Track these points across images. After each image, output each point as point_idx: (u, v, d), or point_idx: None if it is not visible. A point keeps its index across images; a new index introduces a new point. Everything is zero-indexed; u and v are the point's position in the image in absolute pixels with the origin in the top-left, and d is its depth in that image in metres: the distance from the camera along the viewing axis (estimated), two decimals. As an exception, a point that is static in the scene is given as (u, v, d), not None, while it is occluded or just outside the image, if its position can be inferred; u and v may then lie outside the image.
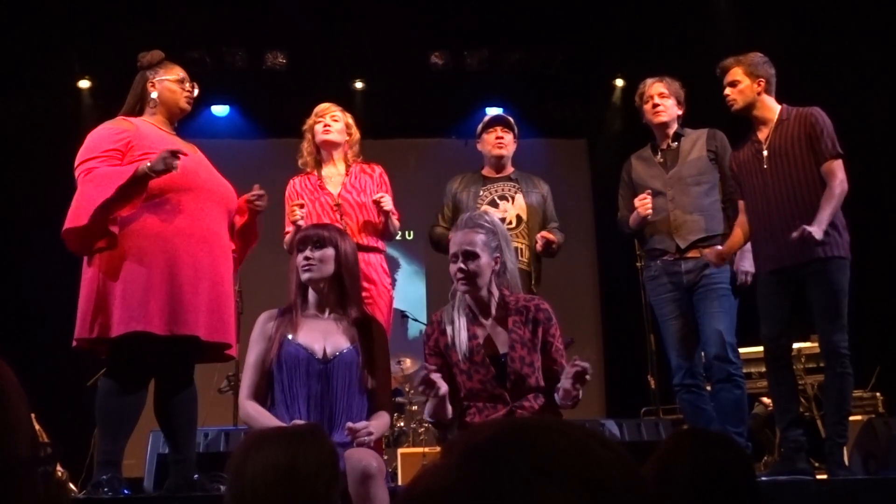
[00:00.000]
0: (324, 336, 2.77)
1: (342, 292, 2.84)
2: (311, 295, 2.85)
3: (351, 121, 4.03)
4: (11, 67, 6.83)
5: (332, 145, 3.95)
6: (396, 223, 3.88)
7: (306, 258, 2.80)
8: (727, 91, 3.75)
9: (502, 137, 4.17)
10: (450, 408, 2.79)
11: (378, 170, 4.03)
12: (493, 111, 7.90)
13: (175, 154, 2.99)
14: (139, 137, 3.18)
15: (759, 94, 3.72)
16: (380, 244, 3.91)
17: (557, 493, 0.57)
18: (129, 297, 3.01)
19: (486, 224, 2.89)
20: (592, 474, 0.59)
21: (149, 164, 2.99)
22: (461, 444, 0.63)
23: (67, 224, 3.06)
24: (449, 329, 2.87)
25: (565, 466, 0.59)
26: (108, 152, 3.12)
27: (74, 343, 3.14)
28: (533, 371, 2.83)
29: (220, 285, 3.19)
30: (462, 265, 2.80)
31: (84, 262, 3.17)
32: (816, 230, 3.38)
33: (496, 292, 2.89)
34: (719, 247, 3.75)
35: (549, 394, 2.88)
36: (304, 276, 2.80)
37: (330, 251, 2.81)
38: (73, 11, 6.77)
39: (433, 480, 0.61)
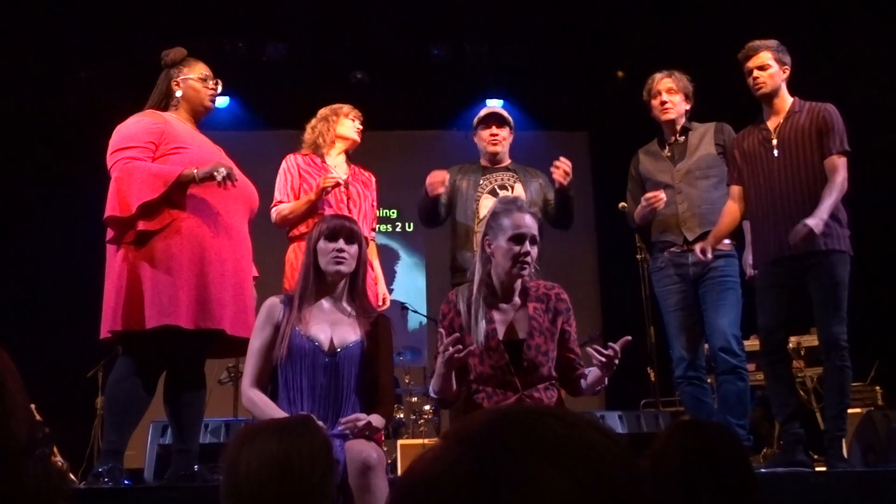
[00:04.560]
0: (331, 328, 2.75)
1: (354, 287, 2.84)
2: (326, 285, 2.81)
3: None
4: (12, 59, 6.82)
5: (353, 144, 4.07)
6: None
7: (340, 250, 2.76)
8: (756, 74, 3.71)
9: (497, 134, 4.16)
10: (455, 384, 2.76)
11: (373, 178, 4.16)
12: (493, 103, 7.93)
13: (230, 176, 3.05)
14: (171, 131, 3.24)
15: (782, 81, 3.73)
16: (370, 237, 4.00)
17: (553, 476, 0.57)
18: (160, 292, 3.04)
19: (535, 210, 2.90)
20: (589, 458, 0.59)
21: (196, 171, 3.06)
22: (457, 430, 0.63)
23: (112, 212, 3.10)
24: (464, 311, 2.82)
25: (561, 450, 0.59)
26: (146, 144, 3.17)
27: (107, 335, 3.14)
28: (547, 360, 2.81)
29: (243, 280, 3.25)
30: (529, 249, 2.76)
31: (109, 255, 3.19)
32: (818, 223, 3.38)
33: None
34: (704, 245, 3.71)
35: (562, 383, 2.91)
36: (334, 268, 2.76)
37: (356, 248, 2.80)
38: (74, 3, 6.75)
39: (429, 465, 0.61)
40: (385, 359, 2.82)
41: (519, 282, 2.85)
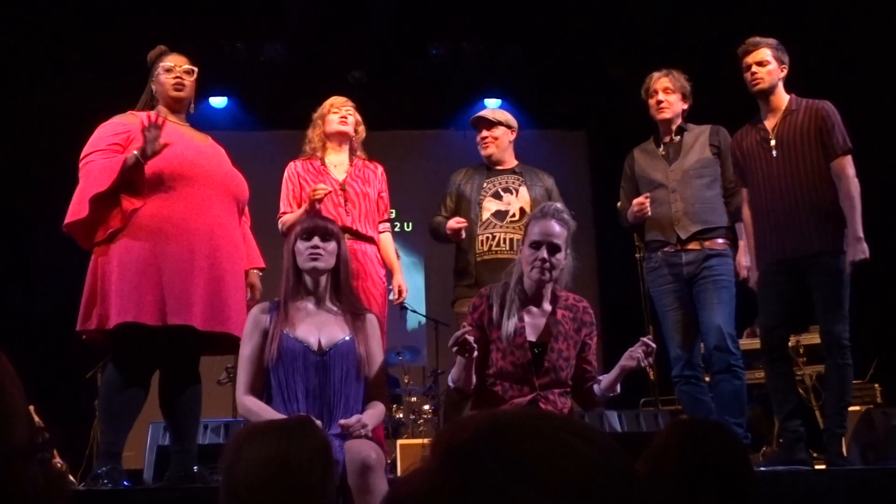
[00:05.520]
0: (318, 328, 2.77)
1: (337, 286, 2.86)
2: (308, 285, 2.84)
3: (360, 119, 4.09)
4: (11, 61, 6.81)
5: (344, 136, 3.99)
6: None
7: (315, 247, 2.79)
8: (755, 69, 3.70)
9: (486, 137, 4.17)
10: (474, 377, 2.84)
11: (380, 168, 4.09)
12: (491, 103, 7.93)
13: (156, 127, 3.00)
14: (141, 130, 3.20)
15: (780, 79, 3.72)
16: (376, 236, 3.93)
17: (536, 500, 0.57)
18: (124, 288, 3.03)
19: (567, 219, 2.94)
20: (573, 477, 0.58)
21: (136, 150, 3.03)
22: (444, 443, 0.63)
23: (68, 218, 3.11)
24: (496, 307, 2.90)
25: (544, 471, 0.58)
26: (109, 146, 3.16)
27: (84, 336, 3.17)
28: (567, 366, 2.89)
29: (222, 275, 3.18)
30: (546, 256, 2.83)
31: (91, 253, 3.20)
32: (857, 251, 3.43)
33: (551, 284, 2.95)
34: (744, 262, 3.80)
35: (573, 392, 2.98)
36: (310, 265, 2.79)
37: (333, 245, 2.83)
38: (72, 4, 6.75)
39: (414, 485, 0.62)
40: (375, 353, 2.85)
41: (549, 288, 2.95)
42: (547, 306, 2.95)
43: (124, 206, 3.09)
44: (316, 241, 2.80)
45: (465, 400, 3.14)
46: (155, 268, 3.05)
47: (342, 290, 2.87)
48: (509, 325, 2.85)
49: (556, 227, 2.87)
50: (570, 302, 2.99)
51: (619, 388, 2.92)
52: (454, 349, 2.70)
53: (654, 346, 2.78)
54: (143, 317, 3.00)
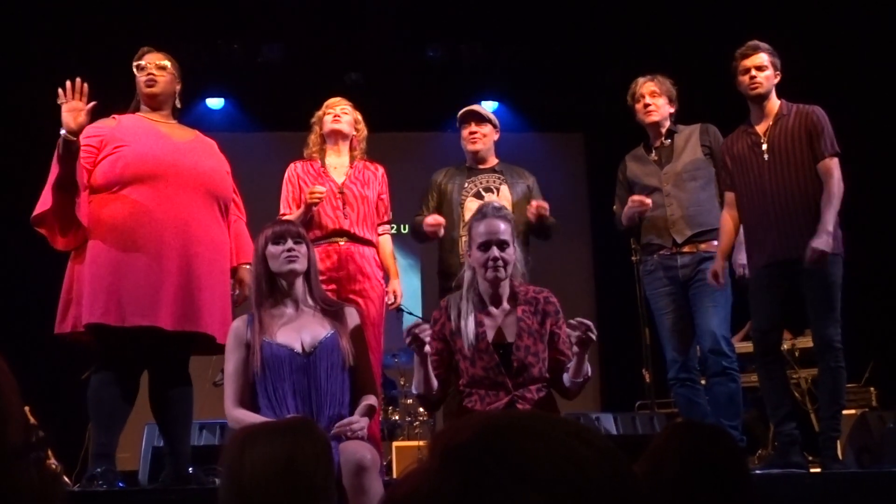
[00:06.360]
0: (299, 330, 2.79)
1: (309, 287, 2.89)
2: (283, 289, 2.85)
3: (360, 117, 4.08)
4: (6, 60, 6.80)
5: (340, 135, 3.97)
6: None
7: (290, 249, 2.81)
8: (755, 73, 3.71)
9: (475, 132, 4.16)
10: (435, 382, 2.85)
11: (381, 170, 4.07)
12: (487, 105, 7.93)
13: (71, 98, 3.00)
14: (117, 132, 3.22)
15: (773, 85, 3.74)
16: (374, 238, 3.92)
17: (535, 501, 0.57)
18: (93, 289, 3.03)
19: (506, 213, 2.95)
20: (572, 479, 0.59)
21: (62, 132, 3.01)
22: (442, 445, 0.63)
23: (35, 211, 3.12)
24: (455, 315, 2.89)
25: (543, 472, 0.59)
26: (82, 146, 3.14)
27: (69, 339, 3.19)
28: (538, 361, 2.86)
29: (196, 274, 3.14)
30: (497, 254, 2.83)
31: None
32: (826, 241, 3.42)
33: (508, 281, 2.93)
34: (717, 269, 3.72)
35: (553, 385, 2.94)
36: (288, 267, 2.81)
37: (304, 248, 2.86)
38: (69, 5, 6.74)
39: (413, 486, 0.62)
40: (359, 344, 2.86)
41: (506, 287, 2.93)
42: (506, 305, 2.92)
43: (94, 210, 3.10)
44: (290, 243, 2.82)
45: (436, 407, 3.12)
46: (122, 268, 3.04)
47: (315, 291, 2.89)
48: (468, 330, 2.84)
49: (501, 225, 2.87)
50: (530, 295, 2.94)
51: (588, 369, 2.84)
52: (407, 340, 2.71)
53: (588, 322, 2.69)
54: (107, 318, 3.00)
